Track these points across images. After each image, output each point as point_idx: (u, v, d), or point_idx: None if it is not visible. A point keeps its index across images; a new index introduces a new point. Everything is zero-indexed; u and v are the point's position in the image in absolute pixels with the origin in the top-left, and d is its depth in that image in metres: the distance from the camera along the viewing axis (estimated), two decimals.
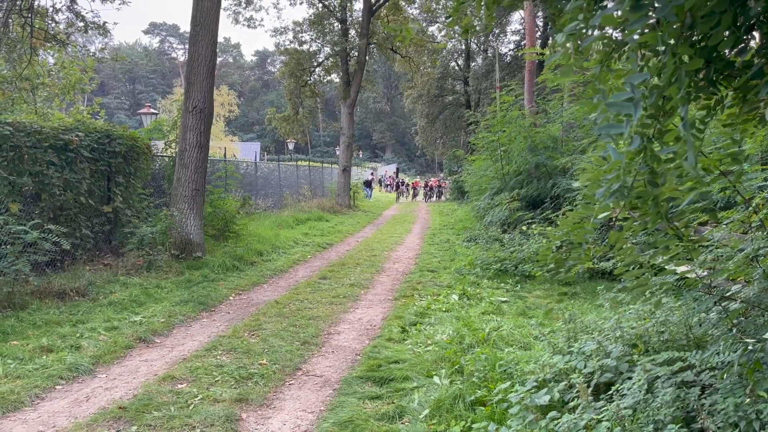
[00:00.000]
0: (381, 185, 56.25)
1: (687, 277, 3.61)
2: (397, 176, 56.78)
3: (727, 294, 3.51)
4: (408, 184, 50.41)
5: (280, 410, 4.80)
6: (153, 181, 12.69)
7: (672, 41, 1.80)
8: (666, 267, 3.35)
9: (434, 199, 42.91)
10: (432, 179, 51.33)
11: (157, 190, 12.71)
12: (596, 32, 2.24)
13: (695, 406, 2.95)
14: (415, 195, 46.01)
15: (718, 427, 2.79)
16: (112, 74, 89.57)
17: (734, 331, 3.15)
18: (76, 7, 13.71)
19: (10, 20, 12.30)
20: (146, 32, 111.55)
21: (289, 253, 13.48)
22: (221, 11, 12.20)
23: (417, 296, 8.98)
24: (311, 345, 6.61)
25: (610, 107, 1.83)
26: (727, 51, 2.12)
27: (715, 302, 3.57)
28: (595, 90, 2.23)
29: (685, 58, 1.97)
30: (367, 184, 41.35)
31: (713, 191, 4.34)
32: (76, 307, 7.65)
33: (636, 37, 1.90)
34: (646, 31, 1.98)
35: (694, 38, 1.87)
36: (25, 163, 8.61)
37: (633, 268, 3.04)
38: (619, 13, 1.97)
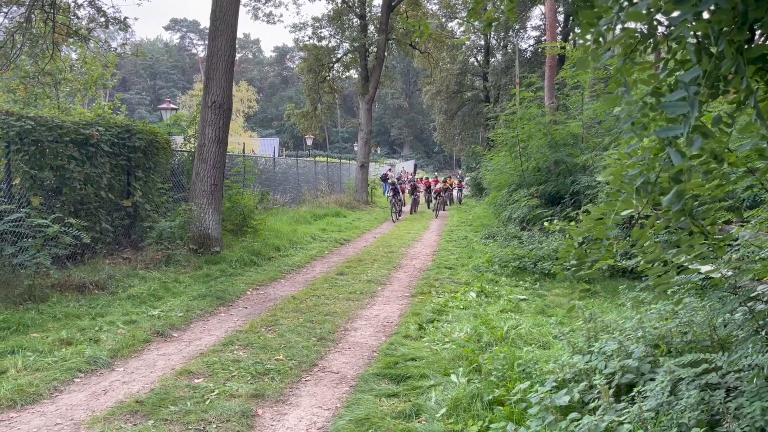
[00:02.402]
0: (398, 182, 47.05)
1: (712, 277, 3.52)
2: (415, 173, 52.49)
3: (753, 294, 3.42)
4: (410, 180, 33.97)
5: (296, 406, 4.78)
6: (172, 176, 12.76)
7: (724, 29, 1.72)
8: (690, 266, 3.27)
9: (430, 208, 26.50)
10: (433, 178, 35.11)
11: (176, 184, 12.79)
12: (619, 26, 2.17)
13: (720, 410, 2.88)
14: (399, 211, 23.12)
15: (744, 431, 2.72)
16: (134, 70, 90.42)
17: (763, 333, 3.06)
18: (97, 2, 13.83)
19: (33, 15, 12.42)
20: (167, 28, 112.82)
21: (306, 249, 13.50)
22: (240, 7, 12.23)
23: (434, 293, 8.93)
24: (328, 341, 6.59)
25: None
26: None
27: (741, 303, 3.48)
28: (618, 83, 2.17)
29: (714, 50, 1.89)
30: (384, 179, 40.83)
31: (739, 189, 4.24)
32: (95, 301, 7.71)
33: (676, 28, 1.83)
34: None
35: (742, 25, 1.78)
36: (47, 158, 8.69)
37: (656, 265, 2.96)
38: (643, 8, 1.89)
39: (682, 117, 1.73)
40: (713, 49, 1.76)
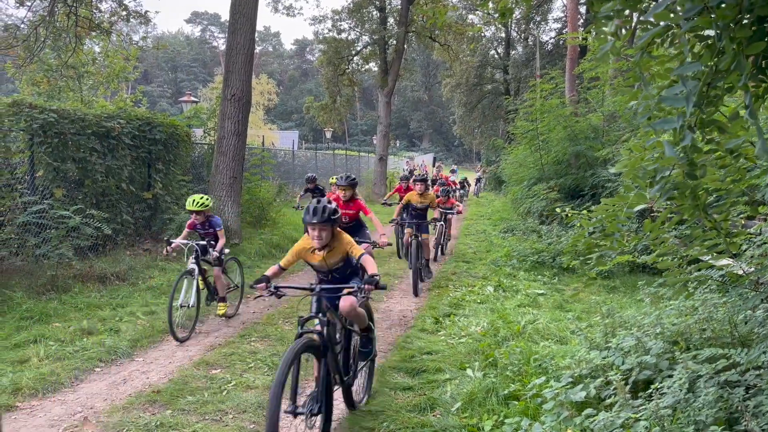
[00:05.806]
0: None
1: (732, 273, 3.47)
2: (434, 166, 49.97)
3: None
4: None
5: None
6: (192, 168, 12.86)
7: (728, 25, 1.68)
8: (704, 259, 3.22)
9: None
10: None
11: (196, 177, 12.89)
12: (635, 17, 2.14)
13: (739, 407, 2.84)
14: None
15: (763, 430, 2.68)
16: (156, 63, 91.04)
17: None
18: None
19: (56, 9, 12.55)
20: (188, 21, 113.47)
21: None
22: (260, 0, 12.25)
23: (451, 287, 8.90)
24: None
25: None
26: None
27: (763, 299, 3.42)
28: (635, 77, 2.14)
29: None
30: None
31: (761, 184, 4.16)
32: (116, 291, 7.82)
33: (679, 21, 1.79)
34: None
35: (746, 21, 1.74)
36: (69, 150, 8.80)
37: (671, 259, 2.92)
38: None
39: (678, 110, 1.70)
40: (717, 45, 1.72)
